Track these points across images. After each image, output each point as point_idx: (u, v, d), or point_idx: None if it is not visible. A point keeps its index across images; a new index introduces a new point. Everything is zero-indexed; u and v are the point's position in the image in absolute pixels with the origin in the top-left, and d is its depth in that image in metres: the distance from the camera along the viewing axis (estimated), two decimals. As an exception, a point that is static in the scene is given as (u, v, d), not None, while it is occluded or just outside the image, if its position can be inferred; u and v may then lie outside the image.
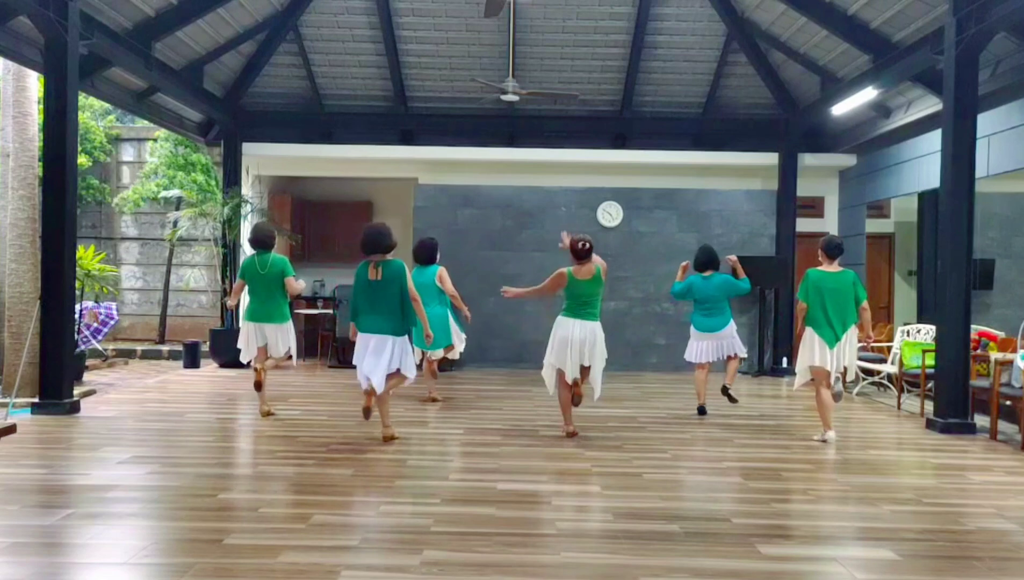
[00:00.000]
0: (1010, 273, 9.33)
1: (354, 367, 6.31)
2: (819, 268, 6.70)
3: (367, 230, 6.42)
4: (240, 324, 7.43)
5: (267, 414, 7.35)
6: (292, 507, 4.56)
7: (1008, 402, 7.02)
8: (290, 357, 7.48)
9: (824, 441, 6.63)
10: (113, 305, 11.42)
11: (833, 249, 6.72)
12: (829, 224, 12.14)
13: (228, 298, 8.06)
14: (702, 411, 7.85)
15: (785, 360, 11.59)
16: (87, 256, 10.17)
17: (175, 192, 12.75)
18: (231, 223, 11.49)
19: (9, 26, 7.68)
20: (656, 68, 11.24)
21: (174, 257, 13.69)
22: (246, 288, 7.42)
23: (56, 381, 7.25)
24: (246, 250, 11.83)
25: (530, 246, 11.80)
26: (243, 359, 7.51)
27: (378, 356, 6.12)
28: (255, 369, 7.25)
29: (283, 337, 7.31)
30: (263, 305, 7.28)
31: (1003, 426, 7.15)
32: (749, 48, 10.74)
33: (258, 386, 7.20)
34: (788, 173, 11.64)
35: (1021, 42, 7.55)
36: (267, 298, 7.27)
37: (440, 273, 8.09)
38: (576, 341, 6.46)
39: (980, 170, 7.58)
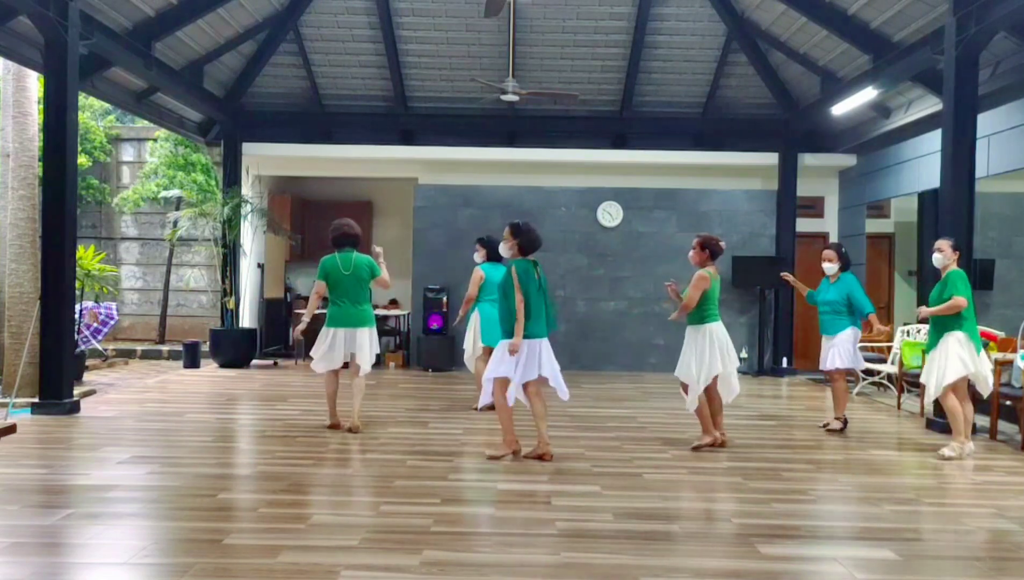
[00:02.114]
0: (1010, 273, 9.32)
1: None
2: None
3: (529, 226, 5.88)
4: (322, 332, 6.72)
5: (355, 429, 6.67)
6: (292, 507, 4.56)
7: (1008, 402, 7.02)
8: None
9: (947, 458, 6.10)
10: (113, 305, 11.42)
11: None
12: (829, 224, 12.15)
13: (302, 322, 6.82)
14: (846, 423, 7.26)
15: (785, 360, 11.59)
16: (87, 256, 10.17)
17: (175, 192, 12.76)
18: (231, 223, 11.49)
19: (9, 26, 7.69)
20: (656, 68, 11.24)
21: (174, 257, 13.70)
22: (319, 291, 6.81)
23: (56, 381, 7.24)
24: (246, 250, 11.87)
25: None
26: (319, 369, 6.75)
27: (552, 360, 5.83)
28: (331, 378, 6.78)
29: (373, 341, 6.80)
30: (353, 308, 6.67)
31: (1003, 426, 7.15)
32: (749, 48, 10.74)
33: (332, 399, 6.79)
34: (788, 173, 11.64)
35: (1021, 42, 7.55)
36: (356, 300, 6.69)
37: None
38: (728, 343, 6.31)
39: (980, 170, 7.58)
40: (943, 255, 6.31)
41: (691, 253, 6.43)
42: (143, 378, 10.36)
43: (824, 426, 7.30)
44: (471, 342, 7.82)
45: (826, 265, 7.29)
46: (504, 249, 6.01)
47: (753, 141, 11.77)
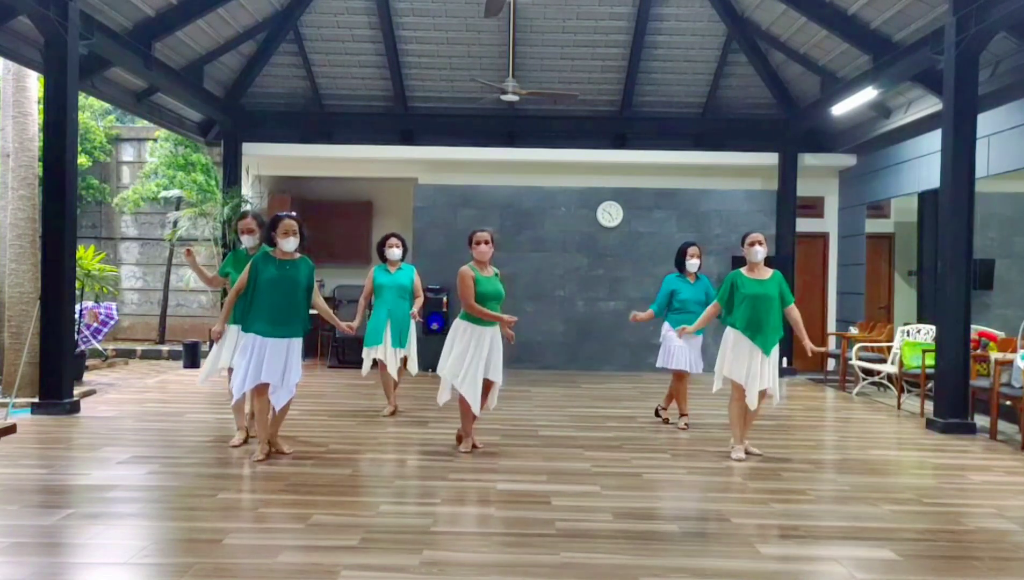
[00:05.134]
0: (1010, 273, 9.32)
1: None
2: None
3: None
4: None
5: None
6: (292, 507, 4.56)
7: (1008, 402, 7.02)
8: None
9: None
10: (113, 305, 11.42)
11: None
12: (829, 224, 12.15)
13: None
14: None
15: (785, 360, 11.57)
16: (87, 256, 10.17)
17: (175, 192, 12.76)
18: (231, 223, 11.47)
19: (9, 26, 7.68)
20: (656, 68, 11.24)
21: (174, 257, 13.69)
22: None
23: (56, 381, 7.24)
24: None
25: (529, 246, 11.80)
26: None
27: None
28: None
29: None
30: None
31: (1003, 426, 7.15)
32: (749, 48, 10.74)
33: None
34: (788, 173, 11.64)
35: (1021, 42, 7.55)
36: None
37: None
38: None
39: (980, 170, 7.58)
40: (764, 248, 6.36)
41: (490, 249, 6.09)
42: (143, 378, 10.36)
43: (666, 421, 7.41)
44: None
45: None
46: (286, 244, 5.73)
47: (753, 141, 11.77)
